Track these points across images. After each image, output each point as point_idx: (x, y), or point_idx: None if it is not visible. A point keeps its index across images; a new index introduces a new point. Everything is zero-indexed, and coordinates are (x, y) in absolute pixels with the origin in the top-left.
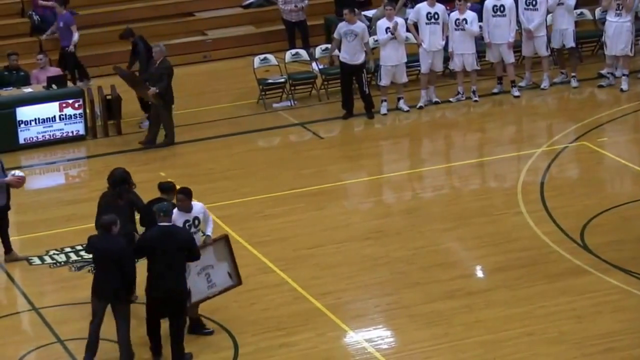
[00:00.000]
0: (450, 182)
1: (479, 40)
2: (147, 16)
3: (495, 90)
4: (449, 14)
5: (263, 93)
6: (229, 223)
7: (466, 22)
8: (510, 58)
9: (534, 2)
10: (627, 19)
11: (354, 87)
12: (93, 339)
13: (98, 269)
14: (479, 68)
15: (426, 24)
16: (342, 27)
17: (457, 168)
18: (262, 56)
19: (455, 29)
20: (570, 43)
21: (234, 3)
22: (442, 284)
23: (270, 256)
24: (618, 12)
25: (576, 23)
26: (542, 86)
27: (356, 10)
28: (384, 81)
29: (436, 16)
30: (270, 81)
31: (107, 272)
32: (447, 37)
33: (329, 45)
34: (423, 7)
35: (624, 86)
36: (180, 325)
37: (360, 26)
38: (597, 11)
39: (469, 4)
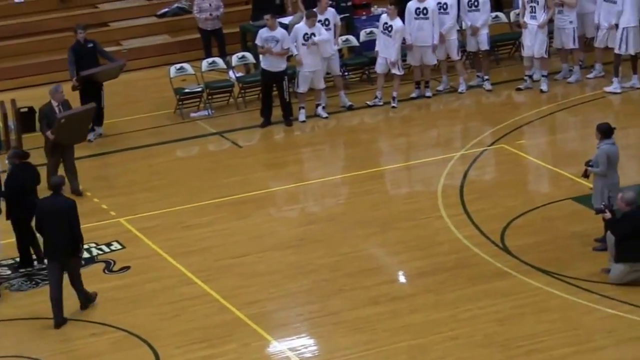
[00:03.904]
0: (372, 188)
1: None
2: (61, 27)
3: (413, 95)
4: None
5: (180, 103)
6: (150, 235)
7: (391, 30)
8: (432, 60)
9: (476, 3)
10: (543, 21)
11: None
12: (58, 297)
13: (49, 230)
14: (401, 73)
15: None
16: (263, 33)
17: (379, 173)
18: (178, 65)
19: (382, 32)
20: (485, 46)
21: (148, 12)
22: (366, 290)
23: (193, 267)
24: (533, 14)
25: (491, 26)
26: (459, 90)
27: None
28: (302, 88)
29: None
30: (187, 90)
31: (59, 232)
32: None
33: (245, 53)
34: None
35: (544, 87)
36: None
37: (281, 32)
38: (512, 14)
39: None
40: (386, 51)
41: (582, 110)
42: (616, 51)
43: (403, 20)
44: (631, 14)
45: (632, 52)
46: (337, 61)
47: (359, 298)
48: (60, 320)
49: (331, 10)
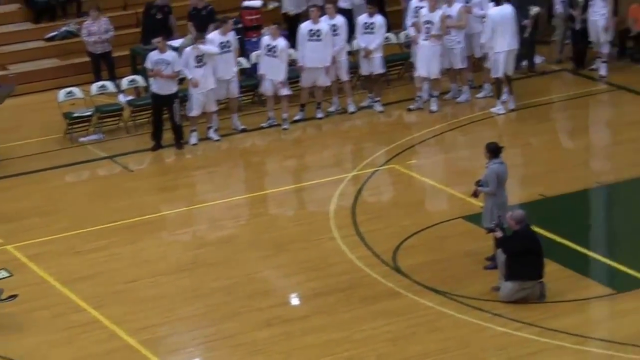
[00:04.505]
0: (265, 210)
1: (292, 65)
2: None
3: (297, 117)
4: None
5: (70, 127)
6: (39, 262)
7: (276, 50)
8: (326, 82)
9: (372, 26)
10: (438, 42)
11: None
12: None
13: None
14: (289, 93)
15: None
16: (153, 56)
17: (271, 195)
18: (67, 90)
19: (266, 54)
20: (378, 69)
21: (36, 36)
22: (261, 312)
23: (83, 294)
24: (427, 35)
25: (382, 47)
26: (349, 111)
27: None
28: (196, 111)
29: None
30: (76, 115)
31: None
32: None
33: (135, 77)
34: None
35: (433, 107)
36: None
37: (171, 55)
38: (402, 35)
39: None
40: (272, 72)
41: (472, 129)
42: (492, 74)
43: (292, 42)
44: (499, 39)
45: (500, 74)
46: (236, 83)
47: (254, 320)
48: None
49: (232, 32)
